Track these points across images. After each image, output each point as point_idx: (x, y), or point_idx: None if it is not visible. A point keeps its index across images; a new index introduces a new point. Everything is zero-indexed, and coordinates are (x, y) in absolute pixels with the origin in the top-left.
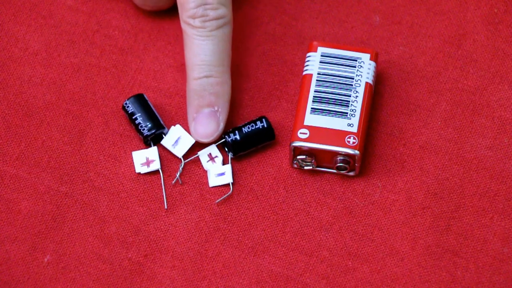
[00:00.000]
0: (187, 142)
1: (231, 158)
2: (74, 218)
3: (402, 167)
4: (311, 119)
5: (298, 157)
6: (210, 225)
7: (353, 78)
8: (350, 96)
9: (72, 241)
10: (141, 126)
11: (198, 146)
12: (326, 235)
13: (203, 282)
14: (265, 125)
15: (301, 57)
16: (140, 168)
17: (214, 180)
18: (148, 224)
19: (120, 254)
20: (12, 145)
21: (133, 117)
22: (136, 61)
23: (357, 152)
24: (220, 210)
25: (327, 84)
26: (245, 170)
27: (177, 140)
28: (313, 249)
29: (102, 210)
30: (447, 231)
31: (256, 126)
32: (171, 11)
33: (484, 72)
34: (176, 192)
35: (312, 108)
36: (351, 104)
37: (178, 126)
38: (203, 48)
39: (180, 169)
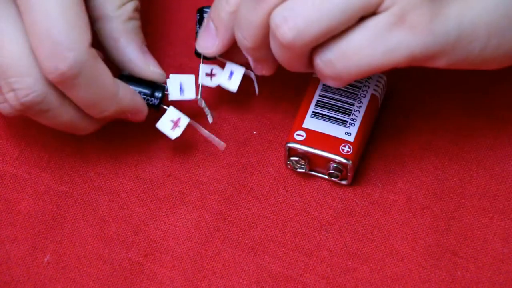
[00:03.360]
0: (190, 81)
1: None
2: (74, 218)
3: (402, 167)
4: (310, 123)
5: (292, 158)
6: (210, 225)
7: (359, 88)
8: (353, 105)
9: (72, 241)
10: (147, 99)
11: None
12: (326, 235)
13: (203, 282)
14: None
15: None
16: (173, 134)
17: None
18: (148, 224)
19: (120, 254)
20: (12, 145)
21: None
22: None
23: (349, 161)
24: (220, 210)
25: (333, 90)
26: (245, 170)
27: (181, 86)
28: (313, 249)
29: (102, 210)
30: (447, 231)
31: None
32: (173, 13)
33: (484, 72)
34: (176, 192)
35: (313, 111)
36: (353, 114)
37: (171, 75)
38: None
39: (204, 105)
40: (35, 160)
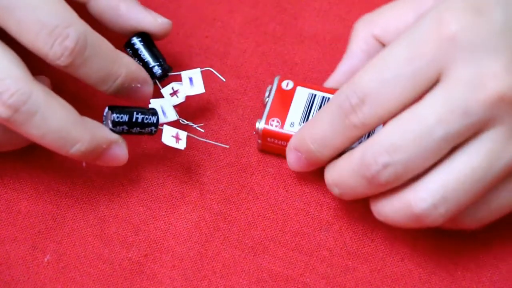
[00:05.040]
0: (168, 104)
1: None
2: (74, 218)
3: None
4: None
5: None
6: (210, 225)
7: None
8: None
9: (72, 241)
10: (149, 129)
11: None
12: (326, 234)
13: (203, 282)
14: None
15: (301, 56)
16: (180, 146)
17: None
18: (148, 224)
19: (120, 254)
20: None
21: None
22: None
23: None
24: (220, 210)
25: None
26: (245, 170)
27: (162, 109)
28: (313, 249)
29: (102, 210)
30: (447, 231)
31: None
32: (172, 11)
33: None
34: (176, 192)
35: None
36: None
37: (152, 101)
38: None
39: (186, 122)
40: (35, 160)
